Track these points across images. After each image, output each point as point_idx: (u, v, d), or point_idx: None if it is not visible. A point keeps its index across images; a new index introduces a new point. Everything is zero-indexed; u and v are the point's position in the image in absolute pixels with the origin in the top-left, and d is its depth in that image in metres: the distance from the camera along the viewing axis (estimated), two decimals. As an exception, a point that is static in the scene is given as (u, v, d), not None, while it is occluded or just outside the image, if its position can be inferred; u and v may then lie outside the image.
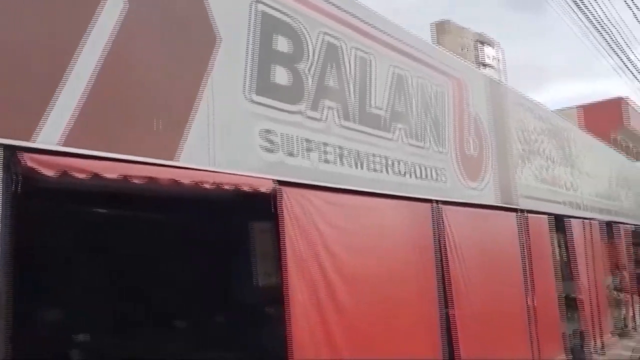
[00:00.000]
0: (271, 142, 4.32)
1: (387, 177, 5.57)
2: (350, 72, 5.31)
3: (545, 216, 8.83)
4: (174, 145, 3.63)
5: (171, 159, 3.60)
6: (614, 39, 14.06)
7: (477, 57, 77.70)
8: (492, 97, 8.04)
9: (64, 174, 2.97)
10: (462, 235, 6.35)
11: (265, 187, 4.13)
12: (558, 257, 9.97)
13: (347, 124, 5.16)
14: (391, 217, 5.58)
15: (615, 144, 22.19)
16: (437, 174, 6.38)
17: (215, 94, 3.94)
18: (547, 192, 9.43)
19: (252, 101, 4.24)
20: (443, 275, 5.95)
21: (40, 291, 5.36)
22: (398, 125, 5.88)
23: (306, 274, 4.31)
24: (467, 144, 7.14)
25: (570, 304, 9.58)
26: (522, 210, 8.08)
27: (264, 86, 4.36)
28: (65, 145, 3.02)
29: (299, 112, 4.65)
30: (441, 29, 79.41)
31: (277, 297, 4.19)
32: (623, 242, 13.22)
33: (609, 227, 12.37)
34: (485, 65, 74.35)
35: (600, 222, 11.68)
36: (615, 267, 12.77)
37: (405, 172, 5.85)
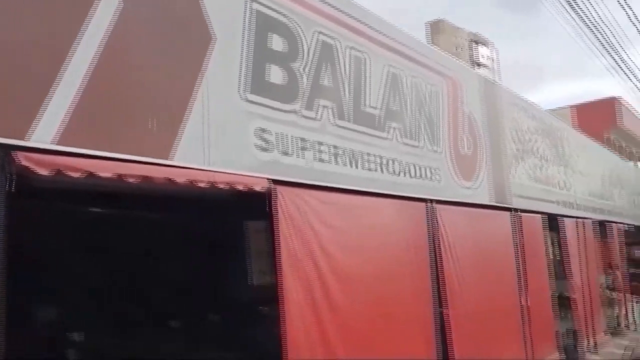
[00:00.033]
0: (266, 141, 4.32)
1: (381, 176, 5.58)
2: (345, 72, 5.31)
3: (539, 215, 8.88)
4: (169, 144, 3.63)
5: (166, 158, 3.59)
6: (607, 39, 14.13)
7: (471, 56, 77.76)
8: (486, 97, 8.07)
9: (59, 172, 2.97)
10: (457, 235, 6.37)
11: (260, 186, 4.13)
12: (551, 256, 10.00)
13: (341, 123, 5.16)
14: (386, 216, 5.59)
15: (608, 143, 22.27)
16: (431, 173, 6.39)
17: (210, 93, 3.94)
18: (541, 191, 9.46)
19: (247, 100, 4.24)
20: (437, 274, 5.97)
21: (34, 290, 5.35)
22: (392, 124, 5.89)
23: (301, 273, 4.32)
24: (461, 143, 7.16)
25: (564, 303, 9.62)
26: (515, 210, 8.11)
27: (259, 85, 4.36)
28: (59, 144, 3.02)
29: (294, 111, 4.66)
30: (436, 28, 79.59)
31: (272, 296, 4.20)
32: (616, 241, 13.29)
33: (602, 226, 12.43)
34: (479, 64, 74.40)
35: (594, 221, 11.73)
36: (609, 266, 12.83)
37: (399, 172, 5.86)
